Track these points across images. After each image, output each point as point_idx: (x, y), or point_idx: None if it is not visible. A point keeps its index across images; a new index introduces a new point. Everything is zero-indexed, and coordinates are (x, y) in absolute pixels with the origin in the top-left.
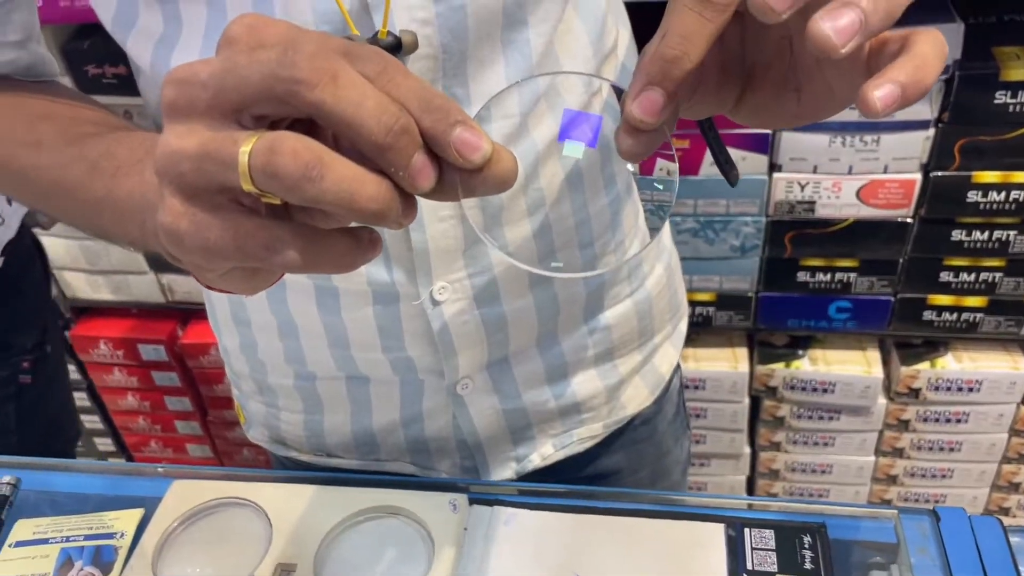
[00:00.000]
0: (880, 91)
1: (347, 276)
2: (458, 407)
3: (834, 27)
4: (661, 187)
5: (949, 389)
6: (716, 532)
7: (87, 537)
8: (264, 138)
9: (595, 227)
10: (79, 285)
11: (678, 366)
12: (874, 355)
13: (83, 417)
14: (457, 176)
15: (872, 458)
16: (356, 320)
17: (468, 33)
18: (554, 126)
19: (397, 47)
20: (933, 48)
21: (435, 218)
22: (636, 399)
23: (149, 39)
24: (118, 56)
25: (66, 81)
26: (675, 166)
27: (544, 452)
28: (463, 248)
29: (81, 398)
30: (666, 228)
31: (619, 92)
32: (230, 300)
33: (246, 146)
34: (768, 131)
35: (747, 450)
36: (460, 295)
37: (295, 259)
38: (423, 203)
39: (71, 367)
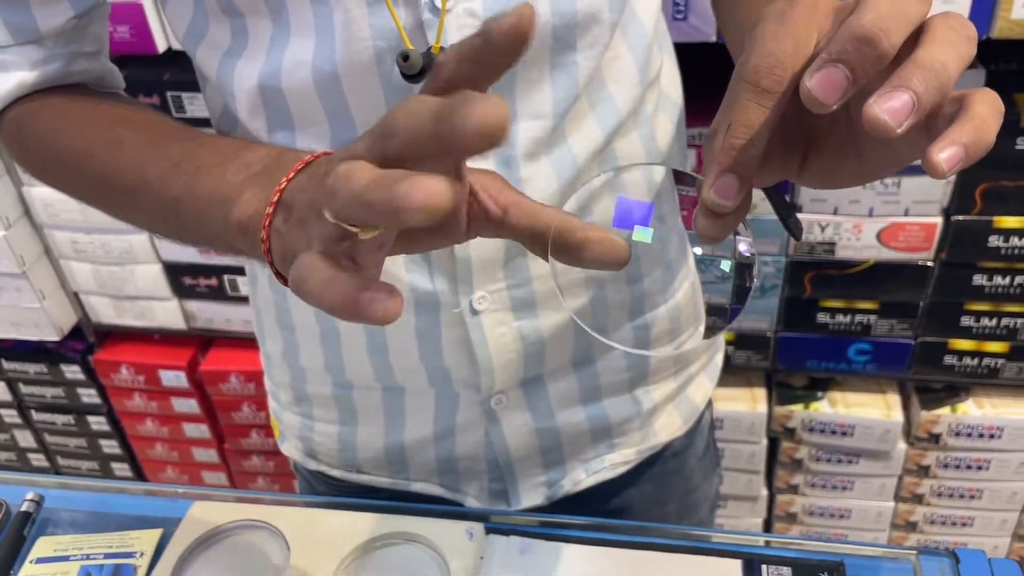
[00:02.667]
0: (944, 153)
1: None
2: (491, 423)
3: (889, 109)
4: (729, 272)
5: (970, 435)
6: (733, 568)
7: (107, 556)
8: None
9: (644, 262)
10: (104, 310)
11: (710, 401)
12: (894, 398)
13: (101, 442)
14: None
15: (891, 504)
16: (396, 327)
17: None
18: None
19: None
20: (991, 108)
21: None
22: (669, 427)
23: (217, 50)
24: (153, 86)
25: None
26: (752, 250)
27: (575, 477)
28: (504, 260)
29: (100, 423)
30: (698, 252)
31: (676, 174)
32: (277, 306)
33: None
34: None
35: (764, 492)
36: (499, 305)
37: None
38: None
39: (92, 391)
